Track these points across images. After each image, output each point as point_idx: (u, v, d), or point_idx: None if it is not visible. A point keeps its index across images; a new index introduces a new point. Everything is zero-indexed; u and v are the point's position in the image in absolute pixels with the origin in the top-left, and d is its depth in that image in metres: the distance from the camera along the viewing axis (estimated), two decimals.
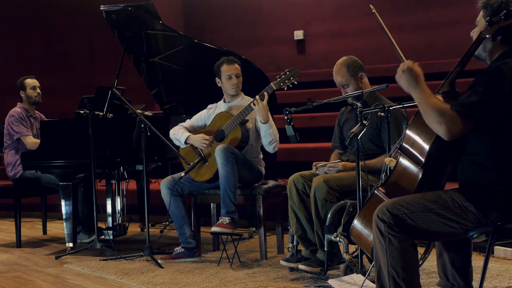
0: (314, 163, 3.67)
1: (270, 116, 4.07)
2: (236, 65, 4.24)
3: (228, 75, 4.21)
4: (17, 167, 5.03)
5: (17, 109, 5.22)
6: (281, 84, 3.98)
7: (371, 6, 3.38)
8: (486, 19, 2.30)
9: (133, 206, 5.48)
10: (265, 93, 3.96)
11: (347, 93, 3.63)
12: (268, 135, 4.04)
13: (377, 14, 3.34)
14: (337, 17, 8.14)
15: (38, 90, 5.30)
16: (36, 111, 5.37)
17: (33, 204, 5.96)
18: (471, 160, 2.34)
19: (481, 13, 2.40)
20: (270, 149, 4.13)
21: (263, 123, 4.01)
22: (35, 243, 5.14)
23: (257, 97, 3.97)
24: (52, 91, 7.66)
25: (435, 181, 2.51)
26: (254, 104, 3.97)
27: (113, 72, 5.06)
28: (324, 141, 5.65)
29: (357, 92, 3.51)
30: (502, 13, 2.29)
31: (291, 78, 3.97)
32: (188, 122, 4.41)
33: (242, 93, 4.33)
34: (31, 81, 5.30)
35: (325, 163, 3.66)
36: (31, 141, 5.03)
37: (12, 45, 8.18)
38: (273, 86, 3.98)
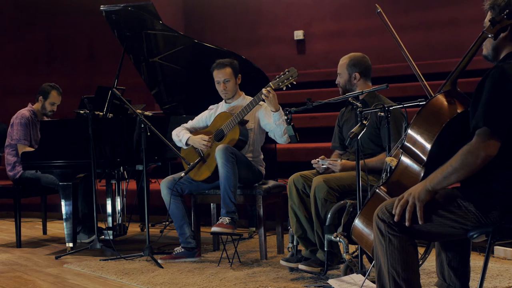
0: (312, 161, 3.67)
1: None
2: (225, 70, 4.19)
3: (216, 81, 4.23)
4: (17, 167, 5.03)
5: (25, 113, 5.17)
6: (280, 83, 3.96)
7: (377, 6, 3.39)
8: (489, 18, 2.30)
9: (133, 206, 5.48)
10: (269, 88, 3.92)
11: (339, 83, 3.72)
12: (282, 123, 3.95)
13: (383, 13, 3.35)
14: (337, 17, 8.14)
15: (55, 108, 5.28)
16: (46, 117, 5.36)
17: (33, 204, 5.96)
18: None
19: (489, 14, 2.38)
20: (284, 139, 4.03)
21: (275, 111, 3.97)
22: (35, 243, 5.14)
23: (264, 90, 3.92)
24: None
25: None
26: (265, 96, 3.92)
27: (113, 72, 5.06)
28: (324, 141, 5.66)
29: (357, 92, 3.53)
30: (505, 12, 2.28)
31: (290, 78, 3.95)
32: (190, 123, 4.41)
33: (243, 93, 4.33)
34: (55, 97, 5.24)
35: (324, 157, 3.65)
36: (23, 151, 5.00)
37: (12, 45, 8.18)
38: (272, 86, 3.96)
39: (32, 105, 5.27)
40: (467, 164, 2.19)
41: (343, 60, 3.74)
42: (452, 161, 2.22)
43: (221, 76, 4.20)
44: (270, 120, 4.05)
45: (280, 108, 3.98)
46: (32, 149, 5.01)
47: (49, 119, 5.32)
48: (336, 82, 3.77)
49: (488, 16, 2.37)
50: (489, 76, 2.22)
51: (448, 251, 2.60)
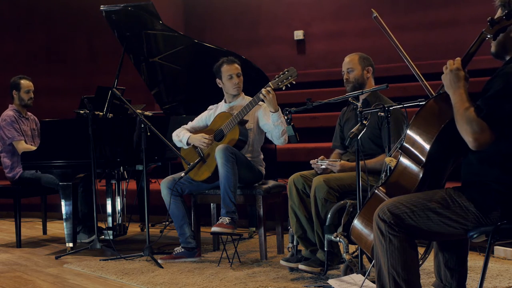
0: (311, 161, 3.67)
1: None
2: (236, 65, 4.24)
3: (229, 75, 4.21)
4: (15, 169, 5.02)
5: (9, 113, 5.17)
6: (279, 83, 3.96)
7: (373, 10, 3.38)
8: (488, 19, 2.30)
9: (133, 206, 5.48)
10: (269, 88, 3.93)
11: (348, 79, 3.71)
12: (280, 124, 3.98)
13: (379, 17, 3.34)
14: (337, 17, 8.14)
15: (32, 94, 5.26)
16: (29, 112, 5.35)
17: (33, 204, 5.97)
18: (478, 157, 2.33)
19: (499, 11, 2.38)
20: (281, 141, 4.06)
21: (274, 112, 3.98)
22: (35, 243, 5.14)
23: (263, 90, 3.92)
24: (52, 91, 7.67)
25: (436, 181, 2.51)
26: (264, 96, 3.92)
27: (113, 72, 5.06)
28: (324, 141, 5.66)
29: (357, 92, 3.53)
30: (504, 13, 2.29)
31: (290, 77, 3.96)
32: (189, 124, 4.42)
33: (243, 93, 4.33)
34: (26, 84, 5.24)
35: (324, 158, 3.65)
36: (23, 147, 5.00)
37: (12, 45, 8.18)
38: (271, 85, 3.96)
39: (11, 104, 5.27)
40: (464, 124, 2.21)
41: (352, 56, 3.74)
42: (465, 108, 2.23)
43: (234, 70, 4.21)
44: (269, 120, 4.06)
45: (279, 109, 3.98)
46: (29, 146, 5.01)
47: (39, 120, 5.28)
48: (345, 78, 3.72)
49: (499, 13, 2.37)
50: (499, 75, 2.24)
51: (445, 251, 2.60)
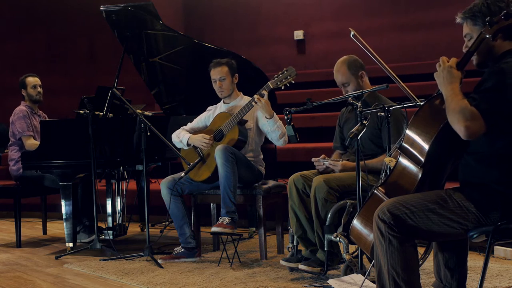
0: (312, 159, 3.67)
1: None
2: (221, 68, 4.21)
3: (213, 79, 4.24)
4: (20, 162, 5.02)
5: (21, 108, 5.22)
6: (278, 83, 3.98)
7: (351, 29, 3.37)
8: (486, 19, 2.30)
9: (133, 206, 5.48)
10: (263, 92, 3.96)
11: (348, 92, 3.65)
12: (276, 129, 4.02)
13: (357, 35, 3.33)
14: (337, 17, 8.14)
15: (39, 89, 5.30)
16: (40, 111, 5.38)
17: (33, 204, 5.97)
18: (474, 158, 2.33)
19: (469, 24, 2.39)
20: (281, 142, 4.10)
21: (269, 119, 4.01)
22: (35, 243, 5.14)
23: (255, 96, 3.96)
24: (52, 91, 7.66)
25: (435, 181, 2.51)
26: (255, 103, 3.96)
27: (113, 72, 5.06)
28: (324, 141, 5.66)
29: (357, 92, 3.51)
30: (502, 13, 2.29)
31: (289, 77, 3.97)
32: (189, 125, 4.42)
33: (241, 93, 4.33)
34: (32, 80, 5.30)
35: (325, 157, 3.65)
36: (31, 142, 5.03)
37: (12, 45, 8.18)
38: (270, 85, 3.98)
39: (23, 101, 5.30)
40: (456, 114, 2.21)
41: (341, 69, 3.65)
42: (458, 99, 2.24)
43: (217, 74, 4.21)
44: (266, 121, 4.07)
45: (274, 114, 4.00)
46: (37, 142, 5.01)
47: (47, 118, 5.31)
48: (345, 95, 3.59)
49: (470, 25, 2.38)
50: (493, 71, 2.24)
51: (445, 251, 2.59)
